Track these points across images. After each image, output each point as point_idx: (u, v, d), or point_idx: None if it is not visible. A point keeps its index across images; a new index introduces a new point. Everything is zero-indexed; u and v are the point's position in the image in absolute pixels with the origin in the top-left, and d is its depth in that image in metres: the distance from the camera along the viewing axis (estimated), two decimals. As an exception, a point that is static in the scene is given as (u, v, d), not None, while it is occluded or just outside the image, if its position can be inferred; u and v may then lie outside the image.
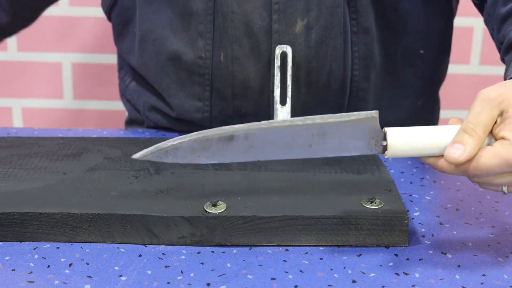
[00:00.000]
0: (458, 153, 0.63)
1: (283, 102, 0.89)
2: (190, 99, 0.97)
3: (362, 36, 0.94)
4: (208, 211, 0.71)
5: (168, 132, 1.02)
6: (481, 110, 0.64)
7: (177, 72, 0.96)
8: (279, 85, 0.89)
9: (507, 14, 0.82)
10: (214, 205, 0.71)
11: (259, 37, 0.91)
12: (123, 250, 0.70)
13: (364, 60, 0.95)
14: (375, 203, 0.73)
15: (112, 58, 1.66)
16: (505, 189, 0.65)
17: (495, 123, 0.65)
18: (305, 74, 0.93)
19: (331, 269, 0.68)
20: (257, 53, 0.92)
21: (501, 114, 0.65)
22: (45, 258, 0.69)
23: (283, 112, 0.89)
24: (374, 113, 0.66)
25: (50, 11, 1.63)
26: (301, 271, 0.67)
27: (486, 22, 0.89)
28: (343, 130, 0.66)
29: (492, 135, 0.65)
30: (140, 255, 0.69)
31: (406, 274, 0.67)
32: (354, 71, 0.96)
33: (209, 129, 0.68)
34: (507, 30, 0.82)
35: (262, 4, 0.91)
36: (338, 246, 0.72)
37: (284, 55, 0.89)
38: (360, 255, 0.70)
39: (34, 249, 0.70)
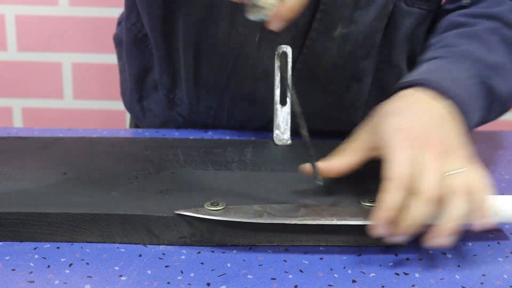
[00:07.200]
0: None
1: (283, 102, 0.89)
2: (207, 101, 0.97)
3: (388, 69, 0.94)
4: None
5: (169, 130, 1.02)
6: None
7: (207, 54, 0.94)
8: (279, 85, 0.89)
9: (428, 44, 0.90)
10: (214, 205, 0.71)
11: (296, 31, 0.90)
12: (123, 250, 0.70)
13: (386, 90, 0.95)
14: (376, 203, 0.73)
15: (112, 58, 1.66)
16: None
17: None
18: (327, 82, 0.93)
19: (331, 269, 0.68)
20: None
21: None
22: (45, 258, 0.68)
23: (283, 112, 0.89)
24: None
25: (50, 11, 1.63)
26: (301, 271, 0.67)
27: None
28: None
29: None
30: (140, 255, 0.69)
31: (406, 274, 0.67)
32: (371, 97, 0.96)
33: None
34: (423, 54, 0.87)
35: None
36: (338, 246, 0.72)
37: (284, 55, 0.89)
38: (360, 255, 0.70)
39: (34, 249, 0.70)
